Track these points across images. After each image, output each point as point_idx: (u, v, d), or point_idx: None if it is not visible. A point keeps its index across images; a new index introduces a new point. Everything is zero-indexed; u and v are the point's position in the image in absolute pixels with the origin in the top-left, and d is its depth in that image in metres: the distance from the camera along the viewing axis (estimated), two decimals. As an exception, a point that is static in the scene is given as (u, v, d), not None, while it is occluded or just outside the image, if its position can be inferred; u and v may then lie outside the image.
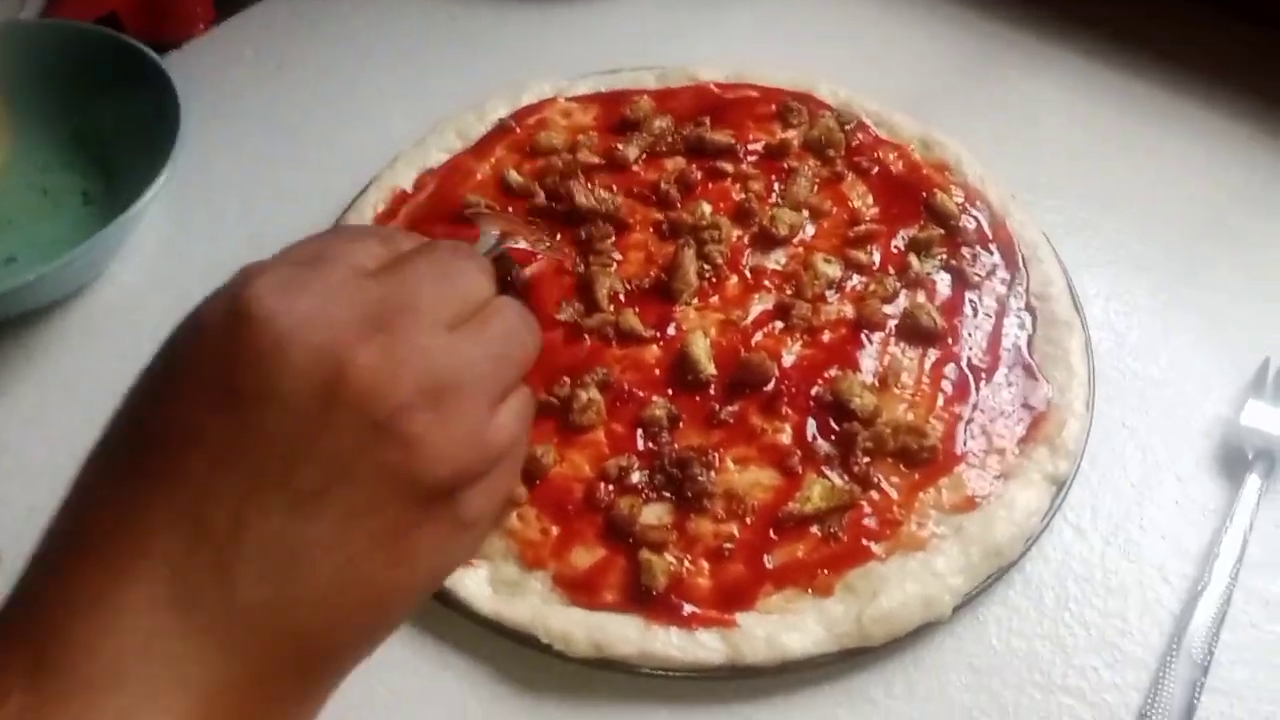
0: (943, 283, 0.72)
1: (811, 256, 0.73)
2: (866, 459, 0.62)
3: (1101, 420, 0.66)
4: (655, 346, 0.69)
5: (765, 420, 0.65)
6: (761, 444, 0.64)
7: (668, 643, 0.56)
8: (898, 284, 0.71)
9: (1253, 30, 0.93)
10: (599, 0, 1.00)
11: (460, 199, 0.77)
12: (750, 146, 0.81)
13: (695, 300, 0.71)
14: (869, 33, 0.97)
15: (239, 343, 0.32)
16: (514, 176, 0.78)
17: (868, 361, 0.68)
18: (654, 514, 0.61)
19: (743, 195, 0.77)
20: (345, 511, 0.32)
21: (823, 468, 0.62)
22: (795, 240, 0.75)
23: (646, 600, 0.57)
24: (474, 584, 0.58)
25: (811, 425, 0.64)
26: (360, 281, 0.34)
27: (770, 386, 0.66)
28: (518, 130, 0.83)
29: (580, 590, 0.58)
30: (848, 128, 0.82)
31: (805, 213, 0.76)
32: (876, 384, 0.66)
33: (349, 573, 0.33)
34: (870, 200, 0.78)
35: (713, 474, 0.62)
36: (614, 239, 0.75)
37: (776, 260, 0.74)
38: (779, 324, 0.70)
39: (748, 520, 0.60)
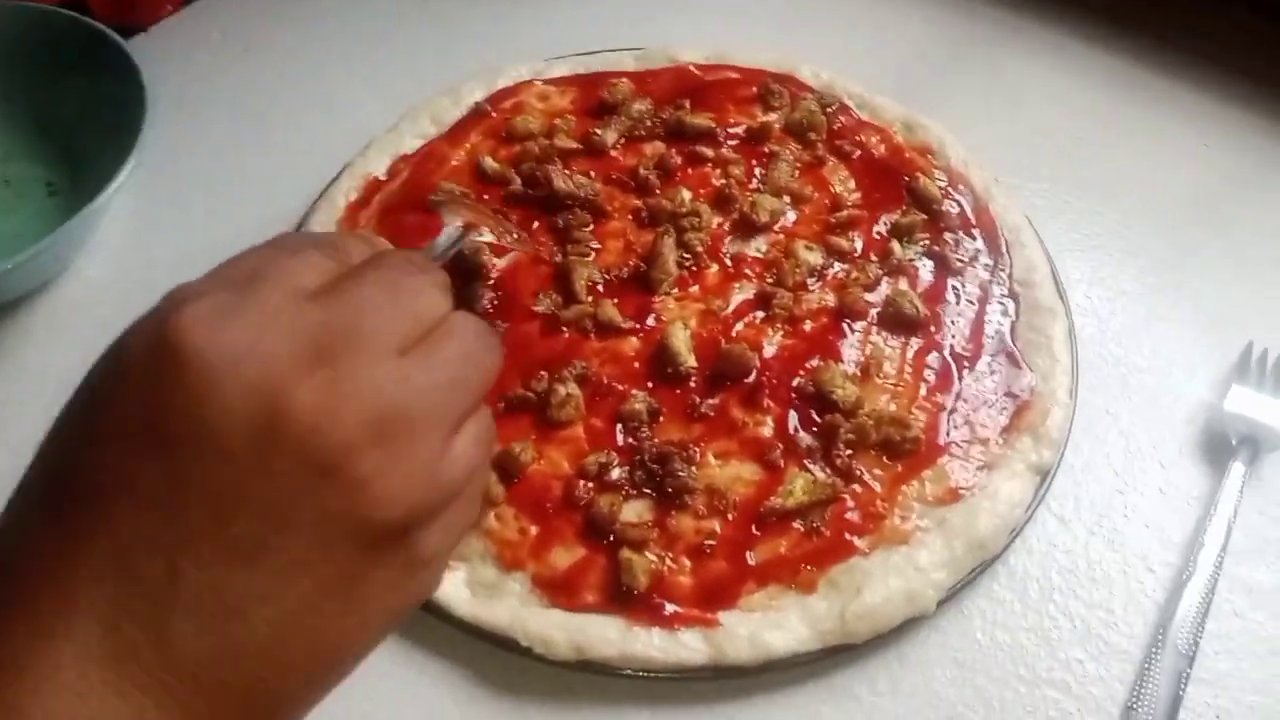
0: (925, 269, 0.71)
1: (793, 244, 0.72)
2: (849, 451, 0.61)
3: (1085, 408, 0.65)
4: (634, 338, 0.67)
5: (746, 413, 0.64)
6: (743, 437, 0.63)
7: (649, 644, 0.55)
8: (879, 271, 0.71)
9: (1244, 14, 0.92)
10: (574, -19, 0.98)
11: (435, 186, 0.76)
12: (731, 130, 0.80)
13: (675, 290, 0.70)
14: (851, 12, 0.95)
15: (166, 381, 0.29)
16: (490, 163, 0.77)
17: (849, 351, 0.67)
18: (634, 511, 0.60)
19: (723, 181, 0.76)
20: (287, 561, 0.30)
21: (805, 461, 0.61)
22: (776, 227, 0.74)
23: (627, 600, 0.56)
24: (451, 586, 0.57)
25: (793, 417, 0.63)
26: (300, 306, 0.31)
27: (751, 378, 0.65)
28: (493, 115, 0.82)
29: (560, 591, 0.57)
30: (829, 110, 0.80)
31: (786, 198, 0.75)
32: (858, 374, 0.65)
33: (294, 623, 0.31)
34: (852, 185, 0.77)
35: (693, 469, 0.61)
36: (592, 227, 0.73)
37: (757, 248, 0.73)
38: (760, 313, 0.69)
39: (729, 516, 0.59)
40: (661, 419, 0.64)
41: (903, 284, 0.70)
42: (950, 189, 0.76)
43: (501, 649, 0.56)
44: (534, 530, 0.59)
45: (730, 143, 0.79)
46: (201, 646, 0.29)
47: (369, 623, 0.33)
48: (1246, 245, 0.76)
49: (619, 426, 0.63)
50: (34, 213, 0.78)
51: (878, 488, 0.60)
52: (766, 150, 0.78)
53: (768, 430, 0.63)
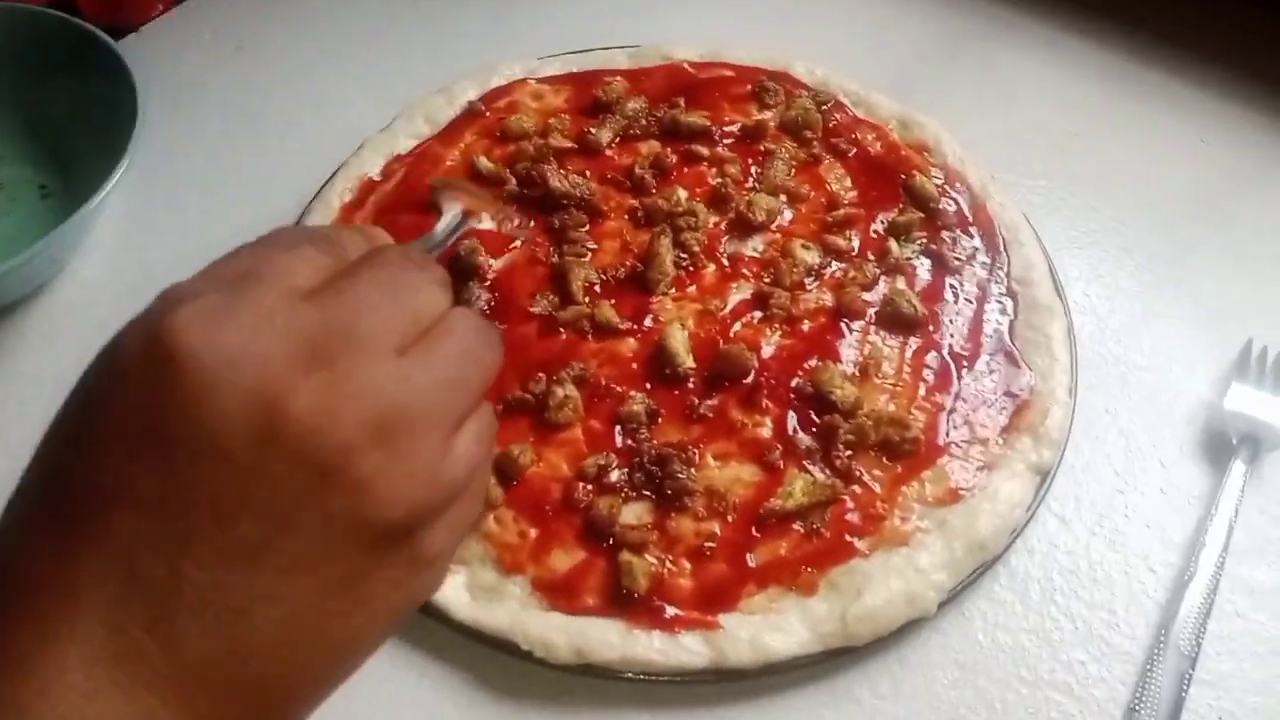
0: (922, 268, 0.71)
1: (790, 243, 0.72)
2: (848, 452, 0.61)
3: (1084, 407, 0.65)
4: (632, 339, 0.67)
5: (745, 414, 0.63)
6: (742, 438, 0.62)
7: (650, 647, 0.55)
8: (877, 270, 0.70)
9: (1242, 9, 0.92)
10: (568, -24, 0.97)
11: (429, 187, 0.75)
12: (726, 128, 0.79)
13: (672, 290, 0.70)
14: (845, 8, 0.95)
15: (163, 384, 0.29)
16: (484, 163, 0.76)
17: (848, 351, 0.66)
18: (634, 513, 0.60)
19: (719, 180, 0.75)
20: (289, 563, 0.30)
21: (804, 462, 0.61)
22: (773, 226, 0.73)
23: (628, 603, 0.56)
24: (451, 590, 0.57)
25: (792, 418, 0.63)
26: (295, 306, 0.31)
27: (750, 379, 0.65)
28: (487, 114, 0.81)
29: (560, 594, 0.57)
30: (825, 108, 0.80)
31: (783, 197, 0.74)
32: (857, 374, 0.65)
33: (299, 622, 0.30)
34: (848, 183, 0.76)
35: (693, 471, 0.61)
36: (588, 227, 0.73)
37: (754, 247, 0.72)
38: (757, 313, 0.68)
39: (729, 518, 0.59)
40: (660, 420, 0.63)
41: (900, 283, 0.70)
42: (947, 187, 0.75)
43: (502, 652, 0.55)
44: (533, 533, 0.59)
45: (725, 141, 0.79)
46: (207, 647, 0.29)
47: (374, 621, 0.33)
48: (1245, 241, 0.76)
49: (618, 428, 0.63)
50: (28, 215, 0.77)
51: (877, 489, 0.60)
52: (762, 149, 0.78)
53: (766, 431, 0.63)
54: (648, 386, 0.65)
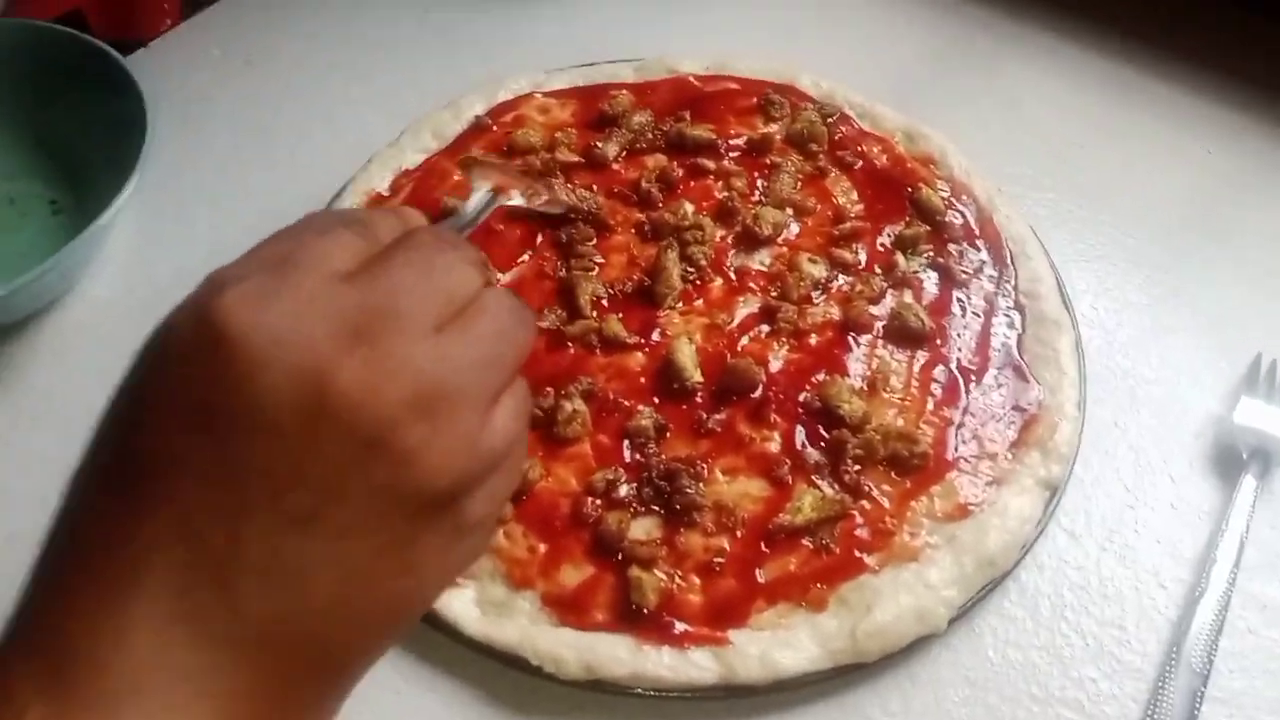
0: (930, 281, 0.71)
1: (796, 256, 0.72)
2: (857, 467, 0.61)
3: (1093, 421, 0.65)
4: (640, 354, 0.67)
5: (753, 428, 0.63)
6: (750, 453, 0.62)
7: (659, 663, 0.55)
8: (884, 283, 0.70)
9: (1246, 17, 0.92)
10: (574, -10, 0.98)
11: (438, 201, 0.76)
12: (732, 142, 0.79)
13: (679, 304, 0.70)
14: (850, 20, 0.95)
15: (213, 364, 0.31)
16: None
17: (856, 365, 0.67)
18: (643, 529, 0.60)
19: (725, 193, 0.76)
20: (341, 530, 0.31)
21: (813, 477, 0.61)
22: (779, 239, 0.73)
23: (637, 619, 0.56)
24: (461, 605, 0.57)
25: (800, 433, 0.63)
26: (336, 288, 0.32)
27: (757, 393, 0.65)
28: (494, 128, 0.81)
29: (569, 610, 0.57)
30: (830, 120, 0.80)
31: (789, 211, 0.75)
32: (865, 389, 0.65)
33: (353, 586, 0.32)
34: (854, 196, 0.76)
35: (701, 486, 0.61)
36: (595, 241, 0.73)
37: (761, 261, 0.72)
38: (765, 327, 0.68)
39: (738, 533, 0.59)
40: (668, 435, 0.63)
41: (908, 296, 0.70)
42: (953, 199, 0.75)
43: (511, 668, 0.56)
44: (542, 548, 0.59)
45: (731, 154, 0.79)
46: (266, 608, 0.31)
47: (422, 584, 0.34)
48: (1253, 254, 0.76)
49: (626, 443, 0.63)
50: (39, 231, 0.77)
51: (886, 504, 0.60)
52: (768, 162, 0.78)
53: (775, 446, 0.63)
54: (655, 401, 0.65)
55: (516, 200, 0.55)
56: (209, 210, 0.80)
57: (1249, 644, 0.57)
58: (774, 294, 0.70)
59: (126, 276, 0.76)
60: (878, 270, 0.71)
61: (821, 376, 0.65)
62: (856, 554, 0.58)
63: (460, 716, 0.56)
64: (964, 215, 0.75)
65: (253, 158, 0.84)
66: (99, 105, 0.77)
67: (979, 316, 0.69)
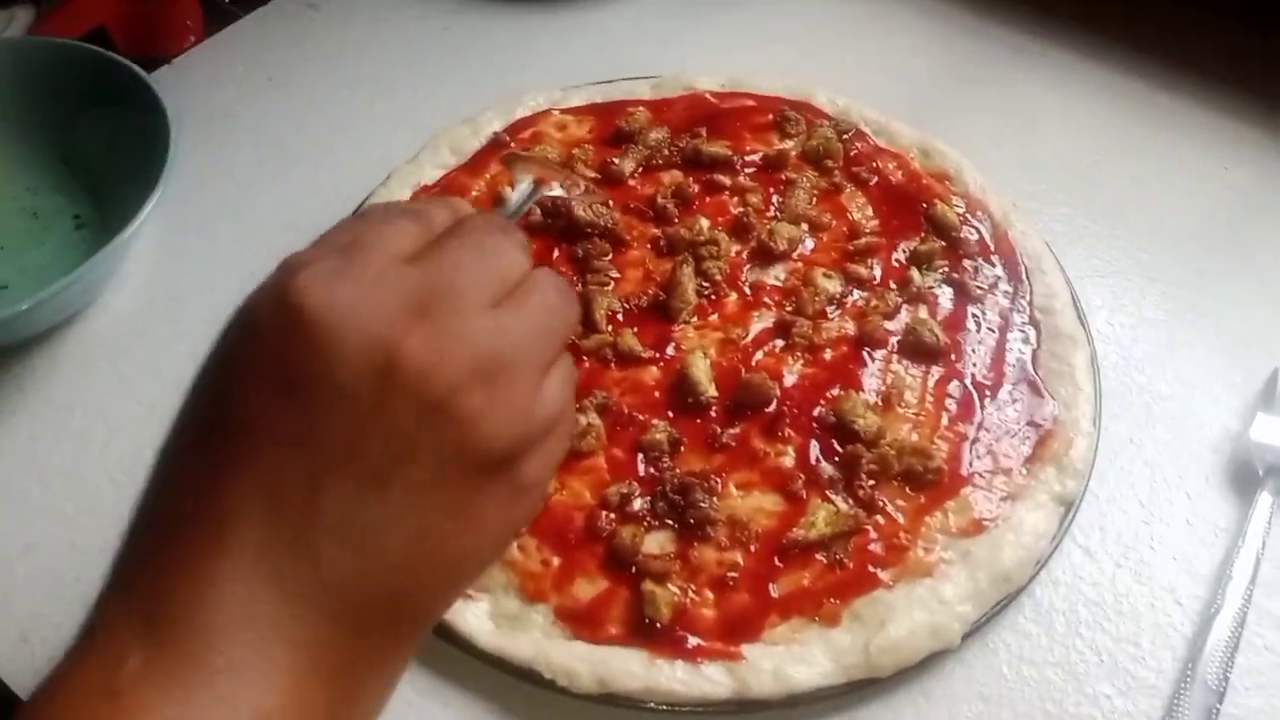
0: (944, 297, 0.71)
1: (811, 271, 0.72)
2: (871, 482, 0.61)
3: (1108, 437, 0.65)
4: (654, 368, 0.68)
5: (767, 443, 0.64)
6: (764, 468, 0.63)
7: (673, 677, 0.55)
8: (899, 299, 0.70)
9: (1262, 35, 0.92)
10: (592, 8, 0.99)
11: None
12: (747, 158, 0.80)
13: (694, 319, 0.70)
14: (866, 38, 0.96)
15: (293, 336, 0.33)
16: (510, 193, 0.77)
17: (870, 380, 0.67)
18: (656, 542, 0.60)
19: (741, 209, 0.76)
20: (411, 486, 0.34)
21: (827, 492, 0.61)
22: (795, 255, 0.74)
23: (650, 633, 0.56)
24: (475, 619, 0.57)
25: (815, 447, 0.63)
26: (401, 269, 0.35)
27: (772, 408, 0.65)
28: (512, 144, 0.82)
29: (583, 624, 0.57)
30: (846, 137, 0.80)
31: (804, 226, 0.75)
32: (880, 404, 0.65)
33: (422, 540, 0.35)
34: (870, 212, 0.77)
35: (715, 500, 0.61)
36: (611, 256, 0.74)
37: (776, 276, 0.73)
38: (779, 342, 0.69)
39: (752, 548, 0.59)
40: (682, 449, 0.64)
41: (922, 312, 0.70)
42: (968, 215, 0.76)
43: (525, 681, 0.56)
44: (556, 562, 0.59)
45: (747, 171, 0.79)
46: (343, 562, 0.34)
47: (483, 540, 0.37)
48: (1269, 269, 0.76)
49: (640, 456, 0.63)
50: (62, 245, 0.78)
51: (901, 519, 0.60)
52: (783, 178, 0.78)
53: (789, 460, 0.63)
54: (670, 415, 0.65)
55: (557, 191, 0.58)
56: (230, 225, 0.81)
57: (1265, 661, 0.57)
58: (789, 309, 0.70)
59: (148, 290, 0.77)
60: (893, 285, 0.72)
61: (836, 391, 0.66)
62: (870, 569, 0.58)
63: (474, 729, 0.56)
64: (979, 231, 0.75)
65: (273, 173, 0.85)
66: (123, 121, 0.79)
67: (994, 332, 0.69)
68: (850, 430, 0.63)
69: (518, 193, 0.49)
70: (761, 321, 0.70)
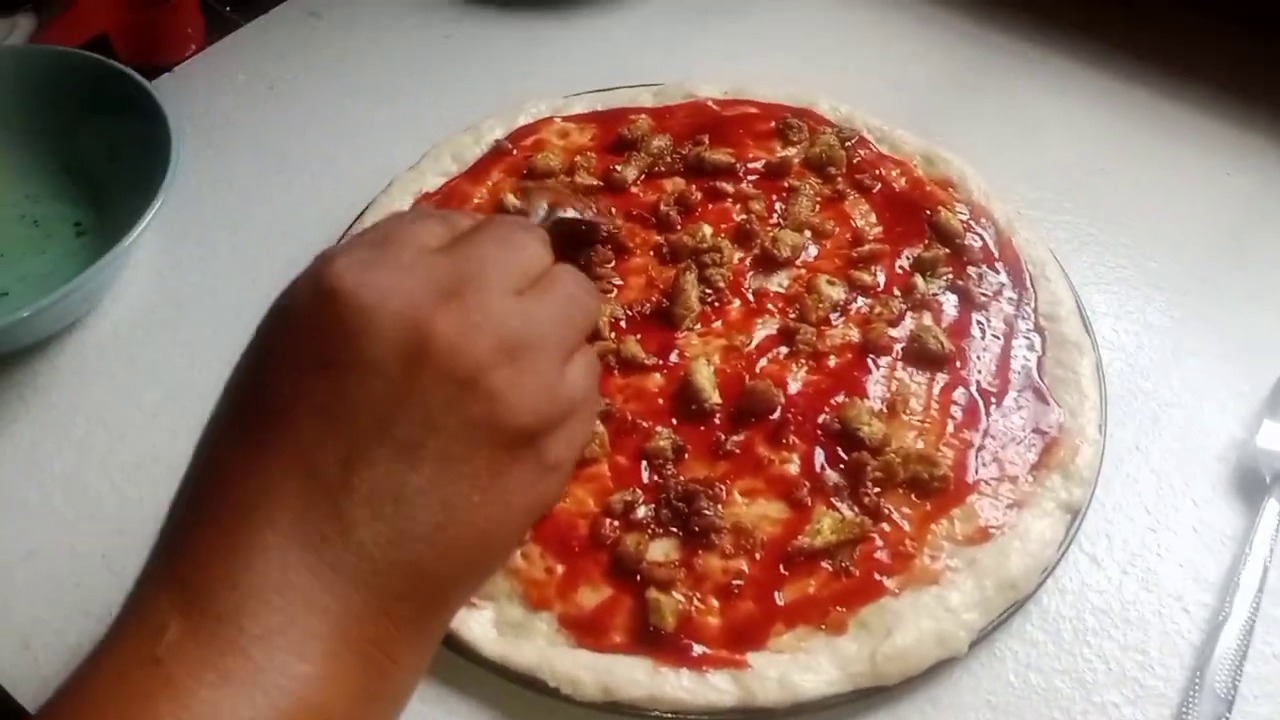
0: (949, 304, 0.71)
1: (815, 278, 0.72)
2: (877, 489, 0.61)
3: (1114, 444, 0.65)
4: (658, 375, 0.67)
5: (772, 450, 0.63)
6: (769, 475, 0.62)
7: (678, 685, 0.54)
8: (903, 306, 0.70)
9: (1265, 41, 0.92)
10: (593, 16, 0.99)
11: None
12: (750, 165, 0.80)
13: (698, 325, 0.70)
14: (869, 45, 0.96)
15: (328, 317, 0.35)
16: (512, 200, 0.77)
17: (875, 387, 0.66)
18: (661, 550, 0.59)
19: (743, 216, 0.76)
20: (441, 459, 0.36)
21: (832, 499, 0.61)
22: (798, 262, 0.73)
23: (655, 641, 0.56)
24: (478, 626, 0.57)
25: (819, 455, 0.63)
26: (430, 257, 0.37)
27: (776, 415, 0.65)
28: (514, 152, 0.82)
29: (587, 631, 0.56)
30: (849, 144, 0.80)
31: (807, 233, 0.75)
32: (885, 411, 0.65)
33: (450, 511, 0.36)
34: (873, 219, 0.77)
35: (720, 507, 0.60)
36: (614, 263, 0.73)
37: (779, 283, 0.73)
38: (783, 349, 0.68)
39: (757, 555, 0.59)
40: (687, 456, 0.63)
41: (927, 319, 0.70)
42: (972, 222, 0.75)
43: (528, 689, 0.55)
44: (560, 569, 0.59)
45: (750, 178, 0.79)
46: (376, 531, 0.35)
47: (510, 514, 0.38)
48: (1274, 275, 0.76)
49: (644, 464, 0.63)
50: (63, 253, 0.78)
51: (906, 526, 0.60)
52: (786, 185, 0.78)
53: (794, 468, 0.63)
54: (674, 422, 0.65)
55: (571, 213, 0.59)
56: (231, 233, 0.81)
57: (1274, 669, 0.56)
58: (793, 316, 0.70)
59: (149, 298, 0.77)
60: (897, 292, 0.71)
61: (840, 398, 0.65)
62: (876, 577, 0.58)
63: (477, 738, 0.55)
64: (983, 238, 0.75)
65: (274, 181, 0.85)
66: (124, 129, 0.79)
67: (999, 339, 0.69)
68: (855, 437, 0.63)
69: (533, 215, 0.51)
70: (765, 328, 0.70)
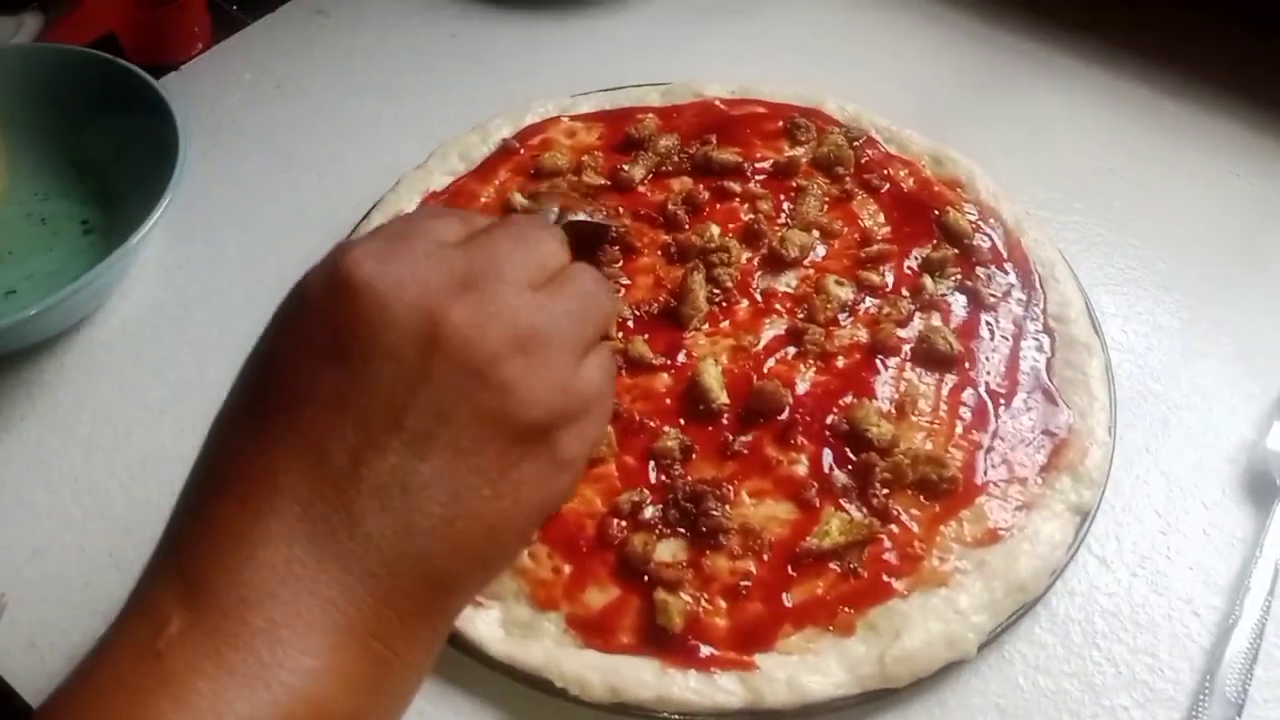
0: (958, 304, 0.71)
1: (823, 279, 0.72)
2: (885, 491, 0.61)
3: (1124, 446, 0.64)
4: (666, 375, 0.67)
5: (780, 451, 0.63)
6: (777, 476, 0.62)
7: (685, 686, 0.54)
8: (911, 306, 0.70)
9: (1265, 41, 0.91)
10: (601, 15, 0.98)
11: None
12: (758, 165, 0.80)
13: (705, 325, 0.70)
14: (877, 45, 0.95)
15: (343, 305, 0.35)
16: (519, 199, 0.77)
17: (883, 388, 0.66)
18: (668, 551, 0.59)
19: (751, 216, 0.76)
20: (451, 449, 0.35)
21: (840, 500, 0.61)
22: (806, 262, 0.73)
23: (663, 642, 0.56)
24: (485, 626, 0.57)
25: (828, 456, 0.63)
26: (447, 251, 0.37)
27: (784, 416, 0.64)
28: (521, 151, 0.82)
29: (594, 632, 0.56)
30: (856, 144, 0.80)
31: (815, 233, 0.75)
32: (893, 412, 0.65)
33: (459, 503, 0.36)
34: (881, 219, 0.76)
35: (727, 508, 0.60)
36: (621, 263, 0.73)
37: (787, 283, 0.72)
38: (791, 349, 0.68)
39: (765, 556, 0.59)
40: (694, 456, 0.63)
41: (936, 319, 0.70)
42: (981, 223, 0.75)
43: (535, 689, 0.55)
44: (567, 569, 0.59)
45: (758, 178, 0.79)
46: (383, 523, 0.34)
47: (520, 508, 0.37)
48: (1283, 276, 0.75)
49: (652, 464, 0.63)
50: (70, 251, 0.78)
51: (915, 528, 0.60)
52: (794, 185, 0.78)
53: (802, 469, 0.62)
54: (681, 422, 0.65)
55: (581, 216, 0.59)
56: (238, 231, 0.81)
57: (1285, 673, 0.56)
58: (801, 316, 0.70)
59: (156, 296, 0.77)
60: (905, 293, 0.71)
61: (849, 399, 0.65)
62: (885, 578, 0.58)
63: (484, 738, 0.55)
64: (992, 238, 0.74)
65: (281, 179, 0.85)
66: (131, 128, 0.79)
67: (1007, 340, 0.69)
68: (864, 438, 0.62)
69: (545, 216, 0.51)
70: (773, 329, 0.70)
